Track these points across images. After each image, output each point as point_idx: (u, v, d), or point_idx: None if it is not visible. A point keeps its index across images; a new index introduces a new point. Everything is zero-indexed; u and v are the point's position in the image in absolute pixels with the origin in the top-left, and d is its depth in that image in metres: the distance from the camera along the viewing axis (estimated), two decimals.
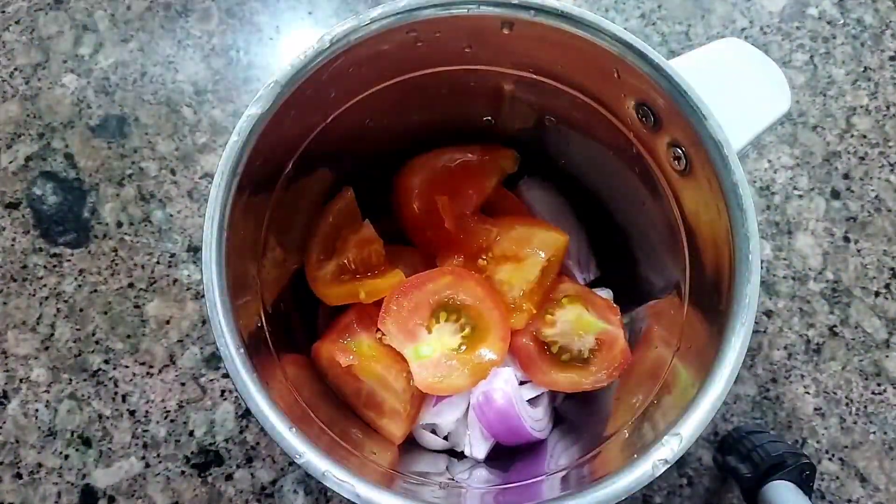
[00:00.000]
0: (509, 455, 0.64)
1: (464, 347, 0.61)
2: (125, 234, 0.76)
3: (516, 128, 0.67)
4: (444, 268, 0.64)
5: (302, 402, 0.54)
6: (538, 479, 0.56)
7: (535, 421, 0.63)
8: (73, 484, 0.71)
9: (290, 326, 0.63)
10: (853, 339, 0.75)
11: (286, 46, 0.83)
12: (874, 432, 0.73)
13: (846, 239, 0.78)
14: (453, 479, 0.58)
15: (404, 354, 0.61)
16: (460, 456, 0.65)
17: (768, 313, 0.76)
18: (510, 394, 0.60)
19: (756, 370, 0.74)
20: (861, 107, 0.82)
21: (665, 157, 0.54)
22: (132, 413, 0.72)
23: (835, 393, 0.74)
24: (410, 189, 0.66)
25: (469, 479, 0.60)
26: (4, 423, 0.72)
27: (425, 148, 0.68)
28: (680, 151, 0.52)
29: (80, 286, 0.75)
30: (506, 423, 0.61)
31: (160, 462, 0.71)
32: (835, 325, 0.76)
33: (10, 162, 0.78)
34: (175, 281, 0.75)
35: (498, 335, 0.62)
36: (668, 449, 0.45)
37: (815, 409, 0.73)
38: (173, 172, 0.78)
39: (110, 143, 0.79)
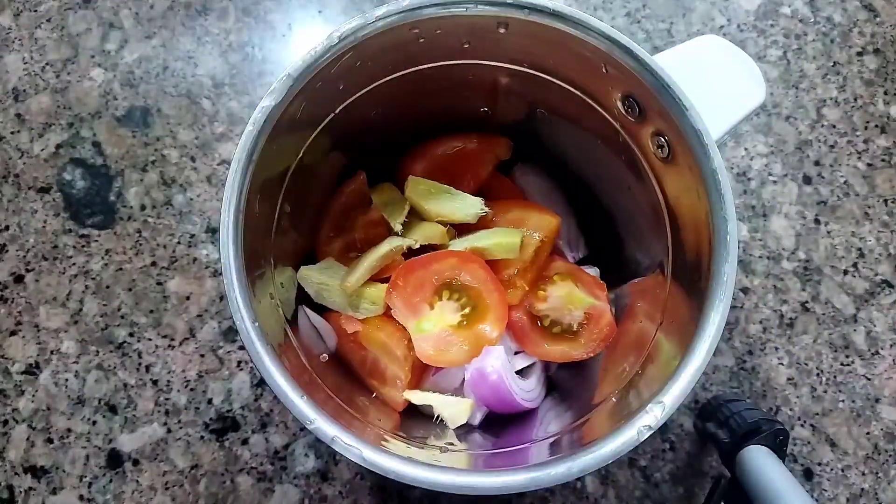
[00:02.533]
0: (503, 421, 0.64)
1: (464, 324, 0.61)
2: (148, 216, 0.76)
3: (511, 118, 0.67)
4: (449, 250, 0.63)
5: (312, 371, 0.54)
6: (529, 444, 0.56)
7: (525, 392, 0.63)
8: (100, 448, 0.71)
9: (301, 299, 0.63)
10: (823, 314, 0.75)
11: (298, 43, 0.83)
12: (843, 400, 0.73)
13: (817, 221, 0.78)
14: (451, 443, 0.58)
15: (407, 328, 0.61)
16: None
17: (745, 290, 0.76)
18: (501, 370, 0.60)
19: (734, 343, 0.74)
20: (830, 99, 0.82)
21: (649, 146, 0.54)
22: (155, 382, 0.72)
23: (806, 364, 0.74)
24: (414, 174, 0.66)
25: (465, 443, 0.60)
26: (37, 391, 0.72)
27: (427, 136, 0.68)
28: (663, 140, 0.52)
29: (106, 265, 0.75)
30: (497, 396, 0.61)
31: (181, 428, 0.71)
32: (806, 302, 0.76)
33: (42, 150, 0.78)
34: (195, 260, 0.75)
35: (496, 315, 0.62)
36: (651, 416, 0.45)
37: (789, 379, 0.73)
38: (193, 159, 0.78)
39: (135, 132, 0.79)
